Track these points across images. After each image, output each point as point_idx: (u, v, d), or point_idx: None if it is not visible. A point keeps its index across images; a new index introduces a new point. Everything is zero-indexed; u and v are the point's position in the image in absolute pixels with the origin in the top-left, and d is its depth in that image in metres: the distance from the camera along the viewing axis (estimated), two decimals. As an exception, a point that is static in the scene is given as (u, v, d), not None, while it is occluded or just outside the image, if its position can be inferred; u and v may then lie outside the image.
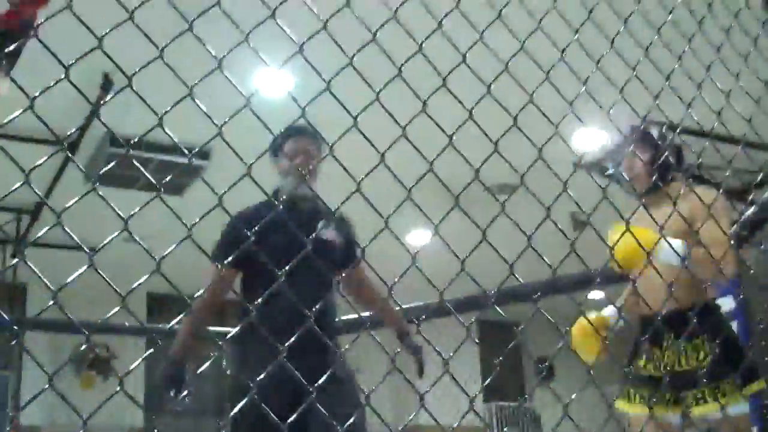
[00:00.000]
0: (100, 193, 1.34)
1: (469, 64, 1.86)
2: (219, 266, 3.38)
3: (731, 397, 3.15)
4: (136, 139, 1.71)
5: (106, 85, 6.95)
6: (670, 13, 2.42)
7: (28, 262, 1.34)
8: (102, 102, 7.07)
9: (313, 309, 1.73)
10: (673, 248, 2.66)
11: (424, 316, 5.00)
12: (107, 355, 12.44)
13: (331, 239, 3.56)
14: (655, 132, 3.57)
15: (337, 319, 3.69)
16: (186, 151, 1.64)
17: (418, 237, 11.15)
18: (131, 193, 8.67)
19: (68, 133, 7.35)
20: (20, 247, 9.79)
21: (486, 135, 1.84)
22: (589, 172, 2.04)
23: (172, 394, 3.36)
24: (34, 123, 1.37)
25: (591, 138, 7.82)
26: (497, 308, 2.17)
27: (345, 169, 1.71)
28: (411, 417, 1.93)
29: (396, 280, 1.70)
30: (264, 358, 1.99)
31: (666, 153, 3.41)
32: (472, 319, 2.35)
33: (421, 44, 1.79)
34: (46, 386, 1.24)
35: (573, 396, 2.00)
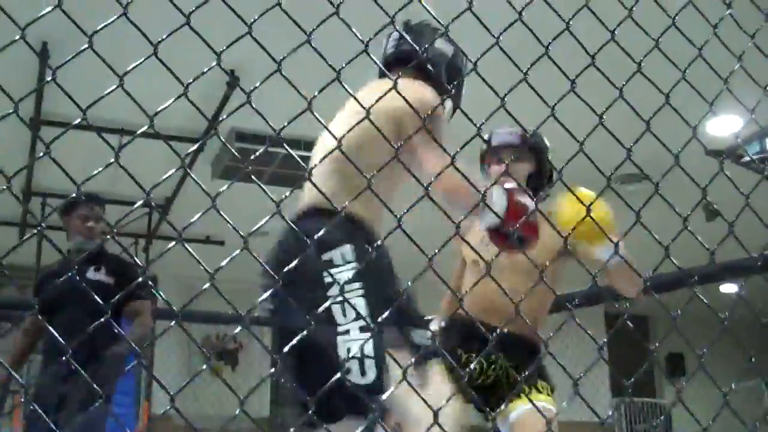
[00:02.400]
0: (224, 186, 1.36)
1: (597, 66, 1.80)
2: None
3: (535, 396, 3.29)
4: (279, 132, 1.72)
5: (233, 81, 7.10)
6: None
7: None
8: (225, 106, 7.23)
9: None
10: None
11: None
12: (235, 345, 12.80)
13: (102, 279, 4.56)
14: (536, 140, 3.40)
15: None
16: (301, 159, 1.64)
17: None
18: (257, 187, 8.82)
19: (197, 128, 7.57)
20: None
21: (615, 138, 1.78)
22: (723, 160, 1.95)
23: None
24: (163, 121, 1.40)
25: (725, 125, 7.56)
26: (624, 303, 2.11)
27: (469, 180, 1.68)
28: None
29: (522, 297, 1.65)
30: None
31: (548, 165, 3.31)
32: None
33: (568, 22, 1.75)
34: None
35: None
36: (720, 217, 1.91)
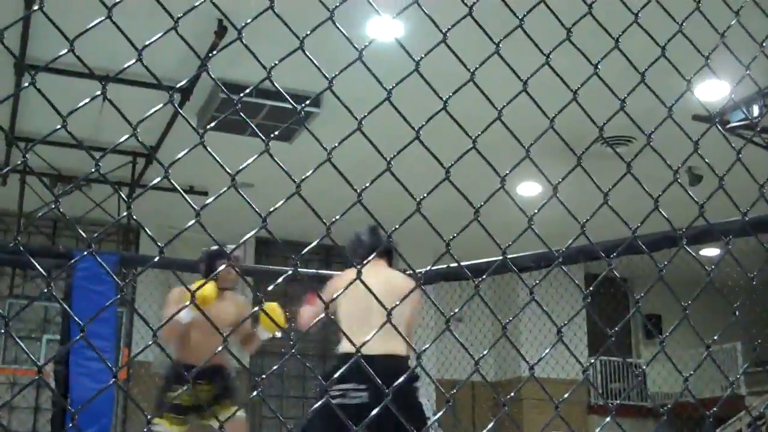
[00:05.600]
0: (213, 138, 1.35)
1: (594, 15, 1.79)
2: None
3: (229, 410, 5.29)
4: (245, 91, 1.71)
5: (221, 31, 7.03)
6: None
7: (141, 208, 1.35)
8: (215, 51, 7.17)
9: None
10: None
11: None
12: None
13: None
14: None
15: None
16: (293, 102, 1.62)
17: (529, 188, 11.04)
18: (242, 138, 8.81)
19: (182, 79, 7.51)
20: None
21: (612, 92, 1.77)
22: (716, 116, 1.96)
23: None
24: (151, 68, 1.39)
25: (713, 90, 7.56)
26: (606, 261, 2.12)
27: (459, 125, 1.68)
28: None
29: (509, 243, 1.65)
30: None
31: None
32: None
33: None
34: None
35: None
36: (703, 180, 1.91)
